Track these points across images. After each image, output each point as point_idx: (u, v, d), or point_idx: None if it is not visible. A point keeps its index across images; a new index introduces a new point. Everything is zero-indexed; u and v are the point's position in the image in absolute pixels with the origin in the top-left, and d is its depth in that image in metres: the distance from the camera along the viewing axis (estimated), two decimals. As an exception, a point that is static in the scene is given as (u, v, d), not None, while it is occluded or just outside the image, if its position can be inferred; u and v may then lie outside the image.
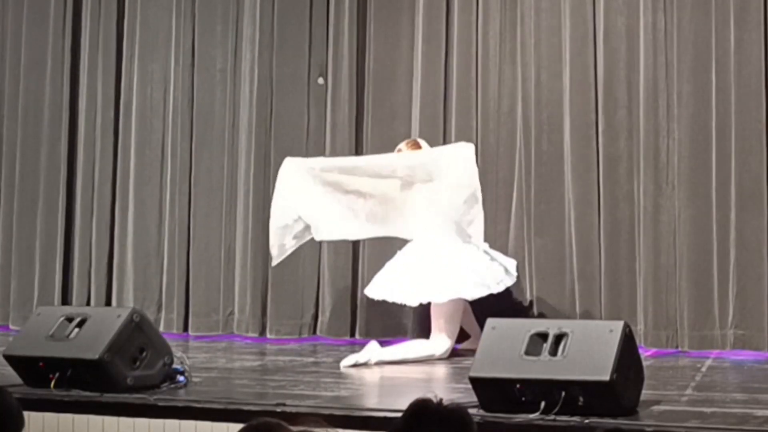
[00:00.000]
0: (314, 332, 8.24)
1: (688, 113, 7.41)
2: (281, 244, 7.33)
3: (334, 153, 8.28)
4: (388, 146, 8.21)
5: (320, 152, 8.31)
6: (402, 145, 7.47)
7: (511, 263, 7.24)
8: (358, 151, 8.27)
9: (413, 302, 7.07)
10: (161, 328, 8.16)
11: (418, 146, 7.44)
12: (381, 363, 6.76)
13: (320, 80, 8.41)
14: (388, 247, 7.47)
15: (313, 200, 7.28)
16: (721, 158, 7.31)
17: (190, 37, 8.74)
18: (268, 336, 8.26)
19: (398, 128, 8.20)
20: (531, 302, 7.72)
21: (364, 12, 8.36)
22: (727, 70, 7.33)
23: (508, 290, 7.13)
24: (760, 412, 4.95)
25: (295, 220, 7.28)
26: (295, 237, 7.35)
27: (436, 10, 8.13)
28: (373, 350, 6.81)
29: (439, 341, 7.00)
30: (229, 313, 8.47)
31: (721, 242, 7.26)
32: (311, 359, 6.86)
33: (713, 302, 7.25)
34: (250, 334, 8.27)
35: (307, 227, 7.32)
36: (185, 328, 8.54)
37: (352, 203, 7.35)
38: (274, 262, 7.54)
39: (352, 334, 8.11)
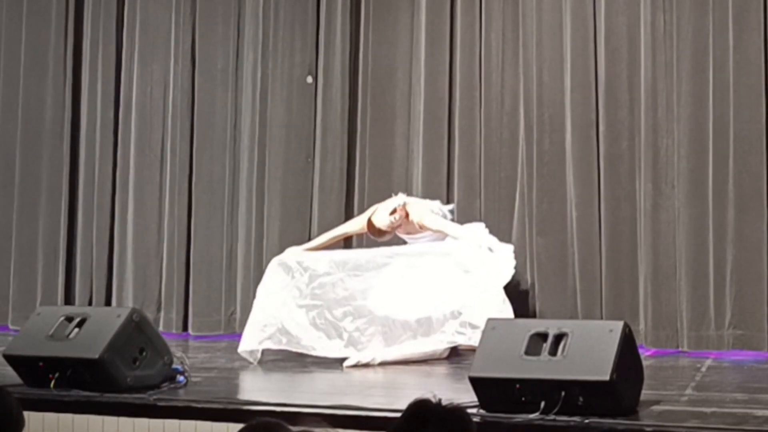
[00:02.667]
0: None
1: (687, 113, 7.40)
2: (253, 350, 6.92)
3: (330, 152, 8.27)
4: (387, 146, 8.22)
5: (315, 151, 8.32)
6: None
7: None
8: (353, 151, 8.28)
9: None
10: (161, 328, 8.16)
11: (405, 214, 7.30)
12: (384, 363, 6.75)
13: (309, 79, 8.40)
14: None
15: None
16: (720, 158, 7.30)
17: (190, 37, 8.73)
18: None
19: (398, 127, 8.20)
20: (532, 302, 7.72)
21: (358, 12, 8.36)
22: (726, 70, 7.32)
23: (508, 290, 7.12)
24: (759, 412, 4.95)
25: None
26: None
27: (438, 11, 8.12)
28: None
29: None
30: (231, 313, 8.48)
31: (721, 242, 7.25)
32: (311, 359, 6.85)
33: (712, 302, 7.24)
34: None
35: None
36: (185, 328, 8.54)
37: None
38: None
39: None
